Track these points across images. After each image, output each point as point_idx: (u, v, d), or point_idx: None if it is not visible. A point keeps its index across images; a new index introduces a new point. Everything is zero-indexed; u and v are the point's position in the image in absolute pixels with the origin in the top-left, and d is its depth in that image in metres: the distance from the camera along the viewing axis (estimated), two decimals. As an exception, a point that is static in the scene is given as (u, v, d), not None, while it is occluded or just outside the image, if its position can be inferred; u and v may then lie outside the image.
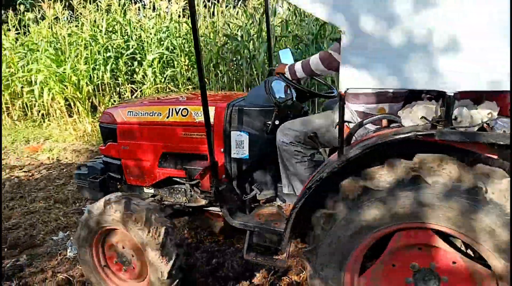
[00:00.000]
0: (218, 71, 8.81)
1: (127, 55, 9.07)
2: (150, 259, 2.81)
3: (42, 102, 8.45)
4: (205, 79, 3.48)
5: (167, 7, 9.49)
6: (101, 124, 3.55)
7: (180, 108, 3.01)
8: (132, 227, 2.79)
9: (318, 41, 8.10)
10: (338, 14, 2.00)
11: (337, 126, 2.15)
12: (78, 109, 8.36)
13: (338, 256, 2.21)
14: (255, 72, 8.01)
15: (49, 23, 9.25)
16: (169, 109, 3.05)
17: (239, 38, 8.42)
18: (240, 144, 2.91)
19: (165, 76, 9.09)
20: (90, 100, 8.49)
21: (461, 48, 1.85)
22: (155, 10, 9.63)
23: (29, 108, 9.67)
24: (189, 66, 9.11)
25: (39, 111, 9.34)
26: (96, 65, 8.81)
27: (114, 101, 9.40)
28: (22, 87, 9.31)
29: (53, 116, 9.40)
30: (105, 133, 3.49)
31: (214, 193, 2.91)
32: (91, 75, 8.56)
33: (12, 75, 9.30)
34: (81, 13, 9.40)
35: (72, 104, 8.39)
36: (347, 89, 2.05)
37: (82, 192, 3.75)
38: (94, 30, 9.35)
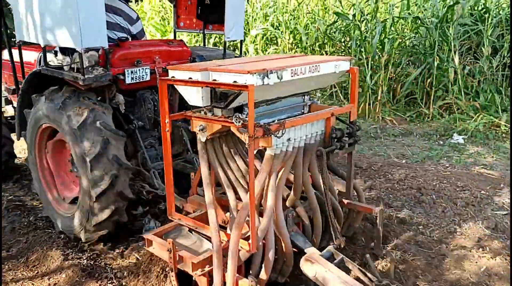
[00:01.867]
0: (324, 52, 8.18)
1: (231, 29, 8.81)
2: None
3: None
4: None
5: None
6: None
7: (24, 51, 4.13)
8: None
9: (443, 26, 7.05)
10: None
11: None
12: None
13: (32, 133, 3.76)
14: (364, 56, 7.23)
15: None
16: (19, 51, 4.06)
17: (351, 17, 7.66)
18: None
19: (267, 53, 8.67)
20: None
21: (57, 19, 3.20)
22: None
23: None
24: (293, 45, 8.59)
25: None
26: (199, 37, 8.68)
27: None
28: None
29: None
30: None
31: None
32: (193, 47, 8.44)
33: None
34: None
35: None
36: (19, 40, 3.67)
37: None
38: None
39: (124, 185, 3.38)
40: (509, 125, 6.31)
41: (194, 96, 2.58)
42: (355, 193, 3.29)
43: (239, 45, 4.48)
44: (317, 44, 8.20)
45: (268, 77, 2.38)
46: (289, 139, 2.61)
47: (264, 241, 2.56)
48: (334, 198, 3.02)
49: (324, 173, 2.81)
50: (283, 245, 2.65)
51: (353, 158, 3.11)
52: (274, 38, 8.89)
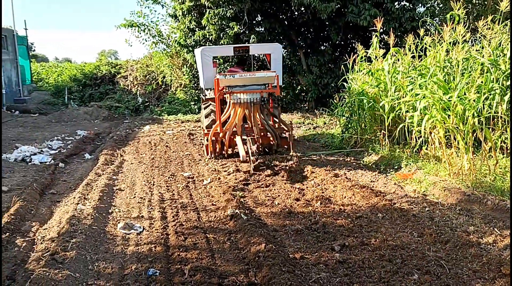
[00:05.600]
0: None
1: (537, 84, 7.25)
2: None
3: (420, 130, 7.90)
4: None
5: None
6: None
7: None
8: None
9: None
10: None
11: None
12: (458, 143, 7.33)
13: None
14: None
15: (447, 47, 8.60)
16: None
17: None
18: None
19: None
20: (475, 134, 7.28)
21: None
22: None
23: (409, 134, 9.40)
24: None
25: (418, 138, 8.87)
26: (490, 95, 7.50)
27: (505, 138, 7.78)
28: (406, 112, 9.12)
29: (431, 145, 8.75)
30: None
31: None
32: (481, 105, 7.33)
33: (399, 98, 9.27)
34: (484, 36, 8.24)
35: (452, 136, 7.44)
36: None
37: None
38: (496, 54, 8.01)
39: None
40: None
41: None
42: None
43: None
44: None
45: (227, 76, 8.95)
46: (240, 98, 8.98)
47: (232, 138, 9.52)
48: (269, 126, 9.45)
49: (260, 113, 9.26)
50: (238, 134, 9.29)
51: (279, 111, 10.59)
52: None
